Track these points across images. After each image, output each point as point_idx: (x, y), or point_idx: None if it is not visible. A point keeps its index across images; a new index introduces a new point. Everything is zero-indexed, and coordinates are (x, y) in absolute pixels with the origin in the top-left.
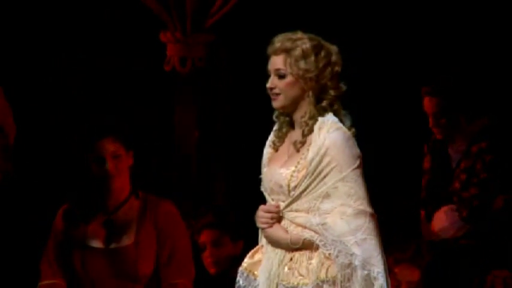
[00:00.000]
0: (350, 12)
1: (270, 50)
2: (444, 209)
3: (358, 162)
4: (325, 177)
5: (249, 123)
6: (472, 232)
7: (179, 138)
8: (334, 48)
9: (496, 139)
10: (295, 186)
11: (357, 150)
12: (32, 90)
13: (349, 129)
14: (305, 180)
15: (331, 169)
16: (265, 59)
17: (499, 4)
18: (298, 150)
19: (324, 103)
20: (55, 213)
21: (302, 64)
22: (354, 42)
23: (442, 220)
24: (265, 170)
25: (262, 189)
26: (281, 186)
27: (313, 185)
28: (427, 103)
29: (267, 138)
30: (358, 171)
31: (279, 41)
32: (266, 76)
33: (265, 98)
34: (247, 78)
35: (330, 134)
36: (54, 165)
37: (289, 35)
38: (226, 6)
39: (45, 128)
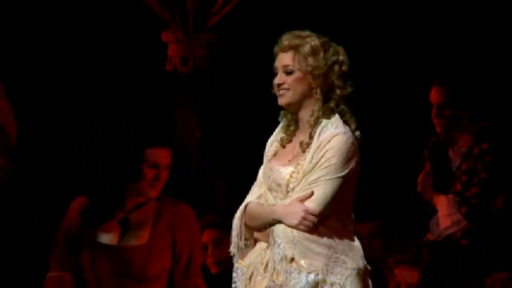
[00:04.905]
0: (352, 13)
1: (277, 47)
2: (448, 197)
3: (347, 171)
4: (315, 172)
5: (250, 123)
6: (472, 232)
7: (180, 138)
8: (341, 49)
9: (497, 140)
10: (294, 188)
11: (353, 160)
12: (32, 90)
13: (354, 131)
14: (302, 181)
15: (323, 168)
16: (267, 59)
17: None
18: (304, 151)
19: (331, 103)
20: (55, 213)
21: (311, 60)
22: (355, 41)
23: (444, 207)
24: (266, 165)
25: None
26: (279, 185)
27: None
28: (434, 93)
29: (267, 138)
30: (341, 180)
31: (286, 39)
32: (267, 76)
33: (267, 98)
34: (248, 78)
35: (332, 137)
36: (55, 164)
37: (297, 32)
38: (228, 5)
39: (46, 128)
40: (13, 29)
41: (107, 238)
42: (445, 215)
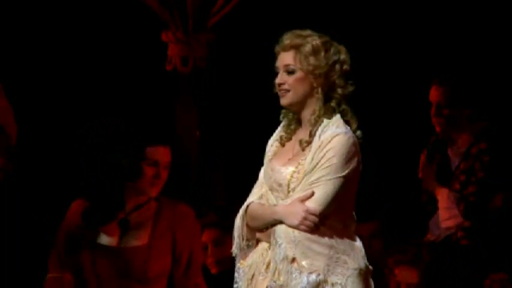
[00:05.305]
0: (352, 12)
1: (278, 47)
2: (450, 192)
3: (348, 171)
4: (315, 172)
5: (250, 123)
6: (472, 233)
7: (180, 138)
8: (342, 48)
9: (496, 140)
10: (295, 188)
11: (354, 160)
12: (32, 90)
13: (355, 131)
14: (303, 181)
15: (324, 168)
16: (267, 59)
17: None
18: (303, 149)
19: (333, 103)
20: (55, 213)
21: (312, 60)
22: (355, 41)
23: (444, 200)
24: (267, 165)
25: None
26: (280, 185)
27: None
28: (433, 92)
29: (267, 138)
30: (342, 180)
31: (288, 38)
32: (267, 76)
33: (267, 97)
34: (248, 77)
35: (333, 137)
36: (55, 165)
37: (298, 31)
38: (228, 5)
39: (46, 128)
40: (13, 29)
41: (106, 239)
42: (445, 207)
